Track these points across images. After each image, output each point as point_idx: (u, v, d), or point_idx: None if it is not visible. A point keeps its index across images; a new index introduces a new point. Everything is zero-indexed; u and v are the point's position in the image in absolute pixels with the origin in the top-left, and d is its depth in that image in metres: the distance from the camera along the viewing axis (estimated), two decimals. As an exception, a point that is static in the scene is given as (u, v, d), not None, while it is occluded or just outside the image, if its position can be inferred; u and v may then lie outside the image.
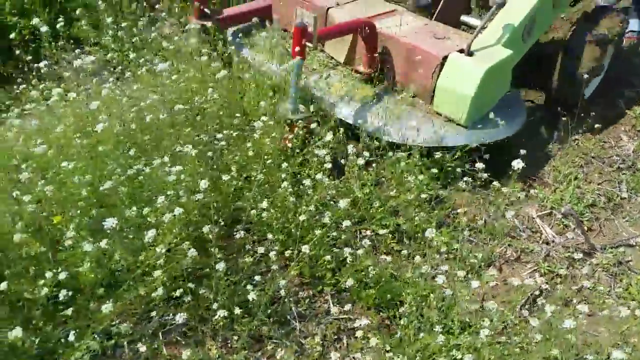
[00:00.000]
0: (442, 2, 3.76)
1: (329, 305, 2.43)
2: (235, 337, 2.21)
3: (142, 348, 2.01)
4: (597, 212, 3.14)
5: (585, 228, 2.98)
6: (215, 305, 2.13)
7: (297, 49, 2.84)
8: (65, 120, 2.64)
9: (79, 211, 2.25)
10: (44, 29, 3.20)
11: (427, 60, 3.19)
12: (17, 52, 3.70)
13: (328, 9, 3.60)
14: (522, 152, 2.74)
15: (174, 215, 2.13)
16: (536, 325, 2.01)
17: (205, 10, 3.59)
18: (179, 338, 2.21)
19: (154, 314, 2.21)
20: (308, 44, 2.85)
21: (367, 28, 3.26)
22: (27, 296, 1.98)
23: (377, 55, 3.39)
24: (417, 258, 2.44)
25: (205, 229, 2.20)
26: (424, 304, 2.23)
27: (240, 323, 2.21)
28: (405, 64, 3.31)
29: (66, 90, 2.89)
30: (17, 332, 1.80)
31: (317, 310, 2.41)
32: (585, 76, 3.55)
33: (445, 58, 3.13)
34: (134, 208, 2.23)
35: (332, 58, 3.67)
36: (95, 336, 1.97)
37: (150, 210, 2.22)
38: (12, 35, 3.77)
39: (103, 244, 2.06)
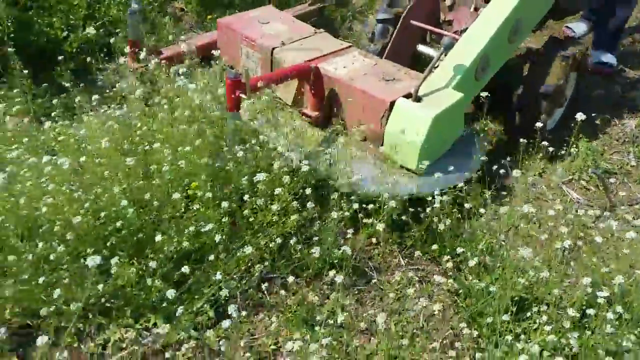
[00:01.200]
0: (394, 34, 3.62)
1: (399, 259, 2.81)
2: (326, 286, 2.59)
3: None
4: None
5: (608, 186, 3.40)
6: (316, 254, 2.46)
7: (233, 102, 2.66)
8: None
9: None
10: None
11: (375, 105, 3.02)
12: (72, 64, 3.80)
13: (273, 49, 3.42)
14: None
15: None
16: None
17: (142, 52, 3.40)
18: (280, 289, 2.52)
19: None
20: (242, 95, 2.66)
21: (310, 72, 3.08)
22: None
23: (324, 97, 3.22)
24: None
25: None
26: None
27: (327, 275, 2.56)
28: (354, 107, 3.14)
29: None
30: (170, 293, 2.16)
31: (390, 263, 2.81)
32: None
33: (393, 103, 2.96)
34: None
35: (280, 99, 3.49)
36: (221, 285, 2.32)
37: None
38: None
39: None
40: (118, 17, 4.30)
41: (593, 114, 3.72)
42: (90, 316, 2.23)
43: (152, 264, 2.24)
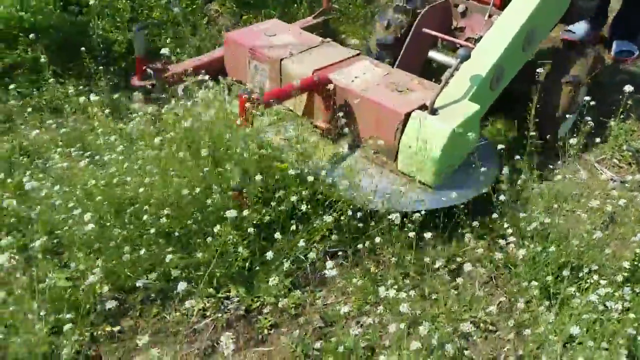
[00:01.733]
0: (407, 41, 3.54)
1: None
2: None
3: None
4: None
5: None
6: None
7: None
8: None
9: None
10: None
11: (389, 118, 2.94)
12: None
13: (281, 60, 3.34)
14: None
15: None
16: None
17: (149, 68, 3.30)
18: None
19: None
20: (255, 111, 2.58)
21: (320, 84, 3.00)
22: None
23: (336, 109, 3.14)
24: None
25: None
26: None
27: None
28: (367, 119, 3.06)
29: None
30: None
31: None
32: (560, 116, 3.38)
33: (408, 115, 2.89)
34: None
35: (290, 110, 3.40)
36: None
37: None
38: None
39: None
40: (161, 19, 4.64)
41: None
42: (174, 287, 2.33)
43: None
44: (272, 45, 3.47)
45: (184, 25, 4.44)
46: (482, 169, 2.91)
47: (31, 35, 3.77)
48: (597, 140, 3.46)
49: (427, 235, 2.63)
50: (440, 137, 2.75)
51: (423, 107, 2.89)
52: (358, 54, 3.47)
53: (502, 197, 2.77)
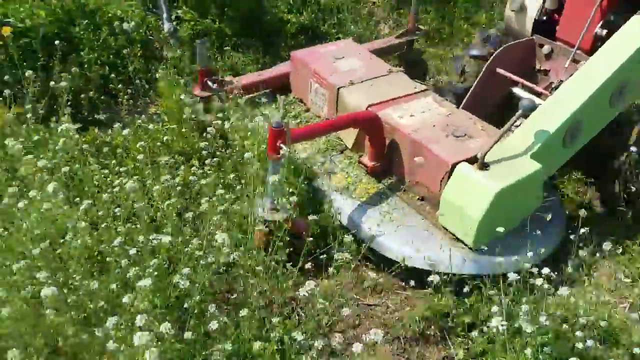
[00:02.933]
0: (476, 81, 3.23)
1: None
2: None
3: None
4: None
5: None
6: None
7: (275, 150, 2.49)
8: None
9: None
10: None
11: (435, 164, 2.70)
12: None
13: (339, 88, 3.19)
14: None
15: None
16: None
17: (210, 82, 3.33)
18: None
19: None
20: (283, 146, 2.48)
21: (364, 123, 2.82)
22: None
23: (384, 147, 2.94)
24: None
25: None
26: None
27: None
28: (414, 162, 2.83)
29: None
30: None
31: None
32: None
33: (456, 165, 2.62)
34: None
35: (340, 140, 3.26)
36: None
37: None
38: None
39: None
40: (329, 5, 5.16)
41: None
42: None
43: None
44: (335, 71, 3.34)
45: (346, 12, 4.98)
46: (542, 234, 2.56)
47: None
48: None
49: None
50: (484, 197, 2.46)
51: (474, 160, 2.60)
52: (425, 90, 3.23)
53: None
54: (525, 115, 2.56)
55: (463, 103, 3.19)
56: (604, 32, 2.98)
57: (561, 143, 2.72)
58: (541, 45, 3.24)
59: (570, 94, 2.73)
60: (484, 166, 2.56)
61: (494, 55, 3.15)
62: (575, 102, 2.67)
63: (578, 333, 2.10)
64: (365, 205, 2.85)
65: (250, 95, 3.47)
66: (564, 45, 3.16)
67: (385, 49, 4.05)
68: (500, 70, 3.13)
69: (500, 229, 2.46)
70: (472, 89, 3.18)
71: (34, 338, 1.83)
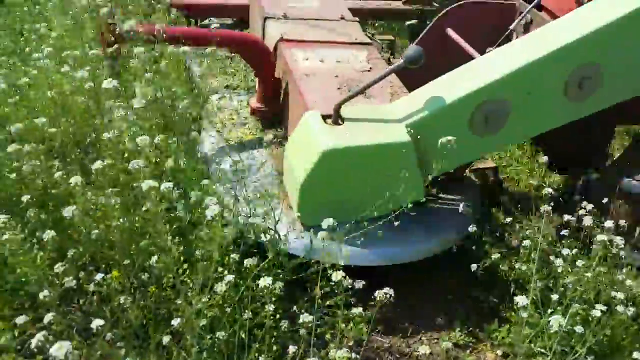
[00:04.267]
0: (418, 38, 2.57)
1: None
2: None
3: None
4: None
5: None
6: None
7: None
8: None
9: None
10: None
11: (299, 112, 2.14)
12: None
13: (266, 18, 2.73)
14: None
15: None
16: None
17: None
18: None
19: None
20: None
21: (243, 45, 2.34)
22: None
23: (271, 87, 2.45)
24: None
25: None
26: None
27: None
28: (296, 111, 2.30)
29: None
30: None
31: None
32: None
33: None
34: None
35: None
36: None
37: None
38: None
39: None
40: None
41: None
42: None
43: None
44: (280, 4, 2.88)
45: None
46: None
47: None
48: None
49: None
50: (312, 155, 1.87)
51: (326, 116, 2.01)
52: (368, 44, 2.64)
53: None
54: (409, 67, 1.91)
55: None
56: (588, -2, 2.17)
57: (466, 125, 1.99)
58: (521, 13, 2.47)
59: (495, 61, 2.00)
60: (338, 121, 1.96)
61: (444, 11, 2.48)
62: (493, 73, 1.94)
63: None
64: (226, 150, 2.38)
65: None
66: (546, 16, 2.37)
67: (382, 12, 3.49)
68: (449, 31, 2.43)
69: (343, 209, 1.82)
70: (413, 43, 2.55)
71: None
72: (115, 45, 2.22)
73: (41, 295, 1.45)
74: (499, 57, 2.00)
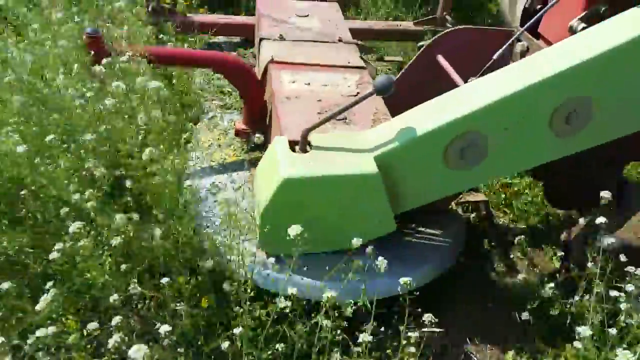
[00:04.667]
0: (408, 65, 2.49)
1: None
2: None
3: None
4: None
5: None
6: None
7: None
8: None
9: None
10: None
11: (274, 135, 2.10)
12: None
13: (261, 39, 2.71)
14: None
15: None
16: None
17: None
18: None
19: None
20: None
21: (224, 66, 2.32)
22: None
23: (255, 109, 2.42)
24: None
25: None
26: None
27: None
28: (274, 133, 2.26)
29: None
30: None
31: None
32: None
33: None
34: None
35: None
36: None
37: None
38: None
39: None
40: None
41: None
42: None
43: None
44: (279, 25, 2.86)
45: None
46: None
47: None
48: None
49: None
50: (273, 182, 1.81)
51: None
52: (362, 68, 2.58)
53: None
54: (381, 95, 1.84)
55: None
56: (580, 26, 2.03)
57: (440, 159, 1.89)
58: (520, 41, 2.34)
59: (473, 92, 1.89)
60: (305, 148, 1.90)
61: (433, 38, 2.39)
62: (470, 105, 1.83)
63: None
64: (207, 171, 2.37)
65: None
66: (543, 43, 2.24)
67: (392, 33, 3.41)
68: (439, 58, 2.34)
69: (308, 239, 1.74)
70: (402, 72, 2.46)
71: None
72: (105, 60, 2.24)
73: (111, 299, 1.58)
74: (479, 87, 1.89)
